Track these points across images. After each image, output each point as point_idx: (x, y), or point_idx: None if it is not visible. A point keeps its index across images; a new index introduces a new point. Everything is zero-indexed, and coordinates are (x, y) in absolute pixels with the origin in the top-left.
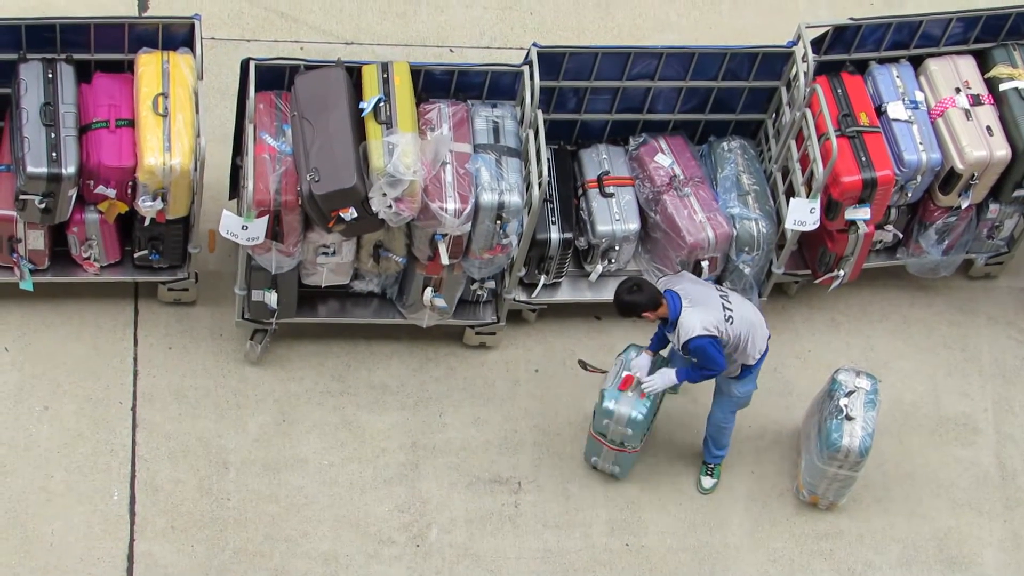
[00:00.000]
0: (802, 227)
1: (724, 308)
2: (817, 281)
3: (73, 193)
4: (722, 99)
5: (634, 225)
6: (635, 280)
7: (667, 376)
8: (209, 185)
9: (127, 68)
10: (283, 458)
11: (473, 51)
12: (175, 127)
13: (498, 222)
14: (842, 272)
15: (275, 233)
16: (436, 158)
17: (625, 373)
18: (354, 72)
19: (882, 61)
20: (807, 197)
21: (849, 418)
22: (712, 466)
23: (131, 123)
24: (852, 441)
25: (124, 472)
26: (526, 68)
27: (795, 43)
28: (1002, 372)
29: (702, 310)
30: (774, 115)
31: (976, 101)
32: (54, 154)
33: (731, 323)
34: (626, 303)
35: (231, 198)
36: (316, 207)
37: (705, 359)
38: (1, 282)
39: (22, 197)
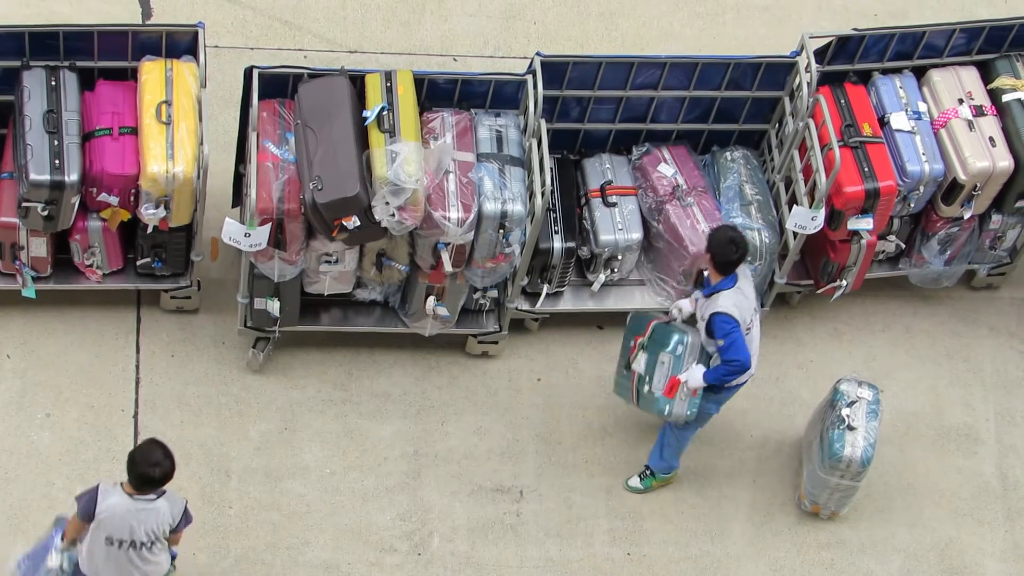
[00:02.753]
0: (802, 231)
1: (751, 320)
2: (819, 291)
3: (76, 201)
4: (725, 109)
5: (637, 235)
6: (738, 237)
7: (696, 375)
8: (212, 193)
9: (130, 76)
10: (285, 466)
11: (477, 60)
12: (178, 135)
13: (501, 231)
14: (844, 282)
15: (278, 241)
16: (439, 167)
17: (671, 376)
18: (358, 81)
19: (885, 72)
20: (810, 207)
21: (851, 428)
22: (649, 473)
23: (134, 131)
24: (854, 451)
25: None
26: (529, 77)
27: (798, 53)
28: (1004, 383)
29: (740, 301)
30: (777, 125)
31: (979, 112)
32: (57, 161)
33: (747, 334)
34: (717, 242)
35: (234, 206)
36: (319, 215)
37: (724, 336)
38: (4, 289)
39: (25, 204)
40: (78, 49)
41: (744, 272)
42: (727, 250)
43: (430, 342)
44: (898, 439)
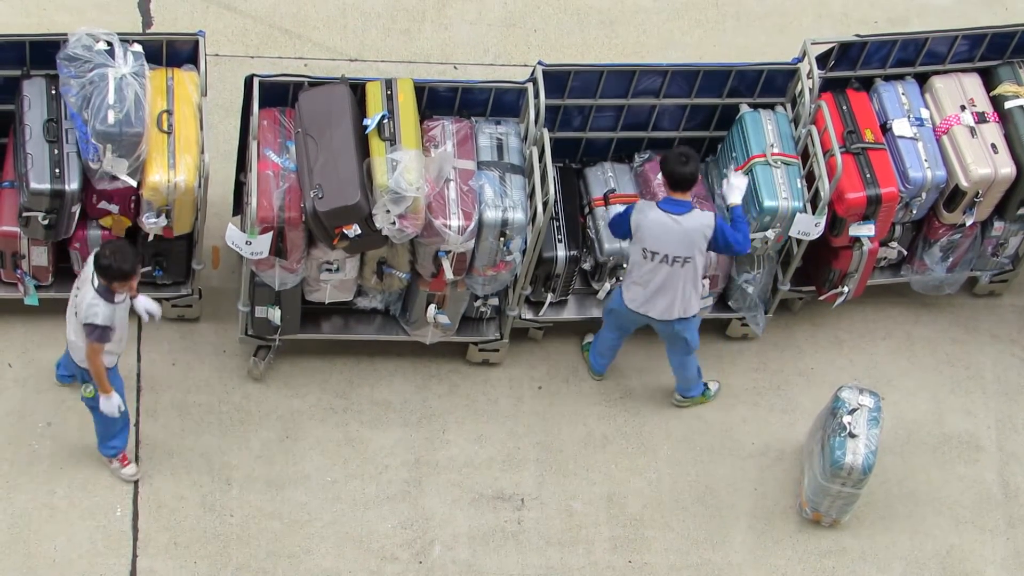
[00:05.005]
0: (806, 237)
1: (670, 255)
2: (821, 298)
3: (76, 209)
4: (727, 116)
5: None
6: (689, 152)
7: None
8: (212, 202)
9: None
10: (286, 474)
11: (477, 68)
12: (180, 144)
13: (502, 239)
14: (846, 289)
15: (279, 250)
16: (440, 175)
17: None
18: (358, 89)
19: (888, 78)
20: (812, 214)
21: (852, 435)
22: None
23: None
24: (855, 459)
25: (127, 488)
26: (530, 85)
27: (800, 60)
28: (1005, 390)
29: (657, 222)
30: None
31: (981, 119)
32: (57, 171)
33: (653, 260)
34: (668, 157)
35: (235, 214)
36: (320, 224)
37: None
38: (5, 298)
39: (26, 214)
40: None
41: (706, 215)
42: (676, 161)
43: (431, 350)
44: (899, 447)
